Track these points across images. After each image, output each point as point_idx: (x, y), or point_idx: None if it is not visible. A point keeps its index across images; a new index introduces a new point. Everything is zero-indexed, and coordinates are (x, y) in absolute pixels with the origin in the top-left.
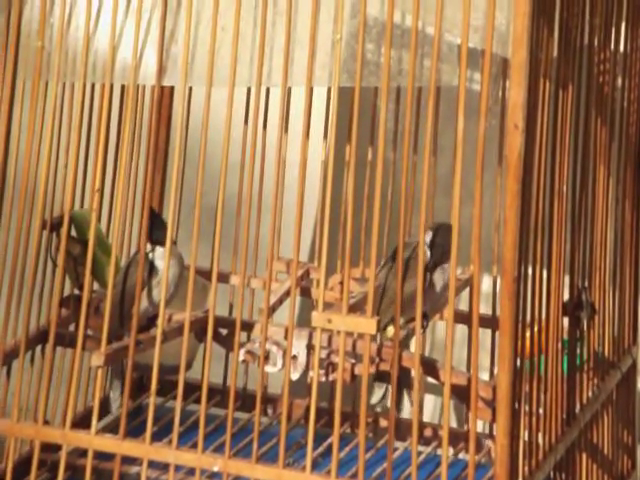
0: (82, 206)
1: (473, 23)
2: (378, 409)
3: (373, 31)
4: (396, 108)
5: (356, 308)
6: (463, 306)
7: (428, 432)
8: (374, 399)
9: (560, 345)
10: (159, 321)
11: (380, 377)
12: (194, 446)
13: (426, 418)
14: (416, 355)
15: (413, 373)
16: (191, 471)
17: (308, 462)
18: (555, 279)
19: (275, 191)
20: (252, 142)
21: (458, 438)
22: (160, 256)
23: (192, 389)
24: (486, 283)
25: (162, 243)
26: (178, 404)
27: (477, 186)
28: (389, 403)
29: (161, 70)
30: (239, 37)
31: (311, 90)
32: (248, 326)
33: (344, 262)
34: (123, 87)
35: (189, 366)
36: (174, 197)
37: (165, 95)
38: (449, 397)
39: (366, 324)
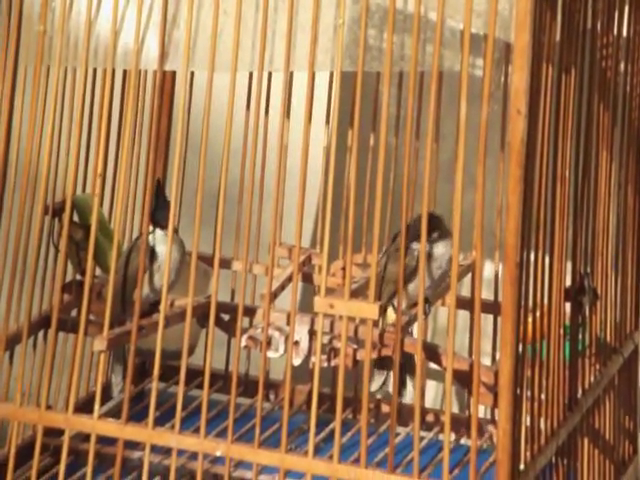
0: (84, 191)
1: (475, 8)
2: (378, 396)
3: (375, 16)
4: (398, 93)
5: (358, 293)
6: (465, 292)
7: (430, 417)
8: (374, 386)
9: (562, 330)
10: (161, 306)
11: (381, 364)
12: (196, 431)
13: (427, 404)
14: (418, 341)
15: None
16: (193, 456)
17: (310, 447)
18: (557, 264)
19: (277, 177)
20: (254, 128)
21: (460, 423)
22: (161, 241)
23: (194, 375)
24: (488, 269)
25: (163, 225)
26: (180, 389)
27: (479, 171)
28: (390, 389)
29: (163, 55)
30: (241, 21)
31: (313, 75)
32: (250, 312)
33: (346, 248)
34: (125, 72)
35: (191, 352)
36: (176, 183)
37: (167, 80)
38: (451, 383)
39: (368, 309)
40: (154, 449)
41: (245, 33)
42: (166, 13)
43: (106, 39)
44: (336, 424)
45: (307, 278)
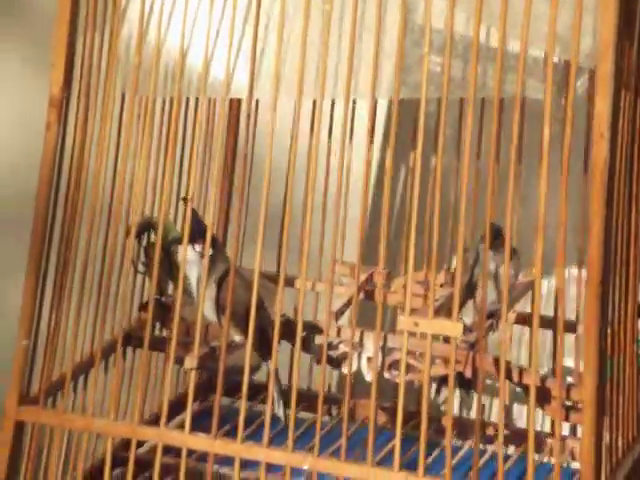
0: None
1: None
2: None
3: (459, 46)
4: (459, 118)
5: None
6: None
7: (490, 431)
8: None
9: (635, 347)
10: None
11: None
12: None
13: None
14: (502, 358)
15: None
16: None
17: (396, 460)
18: (632, 282)
19: (337, 198)
20: (340, 154)
21: (523, 437)
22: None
23: (259, 390)
24: (545, 285)
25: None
26: (269, 405)
27: (562, 191)
28: (439, 400)
29: (252, 84)
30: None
31: (375, 102)
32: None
33: (407, 266)
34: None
35: (258, 368)
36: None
37: (233, 108)
38: (534, 400)
39: (452, 327)
40: (221, 461)
41: (312, 63)
42: (256, 44)
43: (190, 70)
44: (421, 439)
45: (369, 295)
